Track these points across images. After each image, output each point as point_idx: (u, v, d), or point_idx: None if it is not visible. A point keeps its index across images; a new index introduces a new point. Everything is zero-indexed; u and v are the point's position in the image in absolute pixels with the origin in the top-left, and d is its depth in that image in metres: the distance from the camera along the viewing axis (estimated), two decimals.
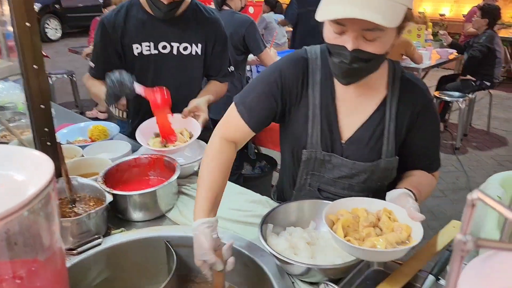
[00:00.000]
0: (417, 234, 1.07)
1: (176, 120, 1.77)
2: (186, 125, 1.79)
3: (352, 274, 1.16)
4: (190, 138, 1.74)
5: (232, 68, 2.13)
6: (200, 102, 1.84)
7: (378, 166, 1.32)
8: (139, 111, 2.01)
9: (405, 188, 1.21)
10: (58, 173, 1.47)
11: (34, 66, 1.30)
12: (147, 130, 1.77)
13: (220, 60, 2.05)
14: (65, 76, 5.88)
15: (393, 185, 1.34)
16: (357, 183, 1.36)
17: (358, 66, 1.15)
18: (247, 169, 3.35)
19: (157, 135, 1.76)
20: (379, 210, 1.16)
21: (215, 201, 1.20)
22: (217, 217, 1.19)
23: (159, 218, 1.48)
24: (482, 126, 5.71)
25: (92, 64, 1.94)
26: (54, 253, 0.62)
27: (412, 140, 1.34)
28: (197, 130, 1.75)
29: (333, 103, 1.33)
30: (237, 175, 3.07)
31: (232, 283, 1.29)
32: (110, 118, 5.79)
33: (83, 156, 1.73)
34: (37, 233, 0.58)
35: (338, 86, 1.33)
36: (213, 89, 2.04)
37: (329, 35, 1.16)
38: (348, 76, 1.20)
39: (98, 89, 1.83)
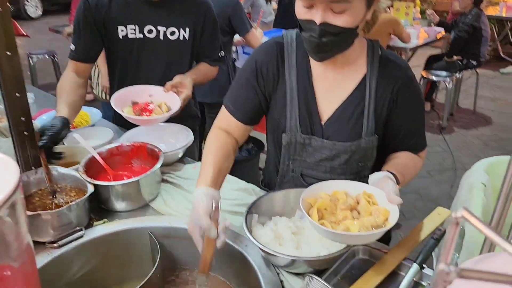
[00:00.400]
0: (393, 217, 1.07)
1: (157, 93, 1.74)
2: (166, 99, 1.74)
3: (337, 264, 1.16)
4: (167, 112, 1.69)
5: (223, 53, 2.05)
6: (185, 78, 1.78)
7: (359, 146, 1.31)
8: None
9: (387, 171, 1.21)
10: (36, 162, 1.43)
11: (7, 52, 1.25)
12: (124, 97, 1.72)
13: (210, 45, 1.96)
14: (47, 56, 5.73)
15: (377, 168, 1.33)
16: (339, 165, 1.34)
17: (328, 40, 1.15)
18: None
19: (134, 103, 1.71)
20: (359, 194, 1.16)
21: (217, 176, 1.21)
22: (211, 188, 1.17)
23: (143, 208, 1.46)
24: (468, 106, 5.75)
25: (72, 47, 1.84)
26: (23, 260, 0.59)
27: (395, 120, 1.33)
28: (176, 105, 1.70)
29: (310, 83, 1.33)
30: None
31: (216, 273, 1.28)
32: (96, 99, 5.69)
33: (64, 144, 1.68)
34: (3, 240, 0.55)
35: (315, 66, 1.32)
36: (202, 70, 1.98)
37: (299, 9, 1.17)
38: (320, 51, 1.19)
39: (58, 106, 1.65)
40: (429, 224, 1.27)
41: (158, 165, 1.47)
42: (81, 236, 1.25)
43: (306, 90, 1.33)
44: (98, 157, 1.49)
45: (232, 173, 1.39)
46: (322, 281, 0.92)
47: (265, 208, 1.28)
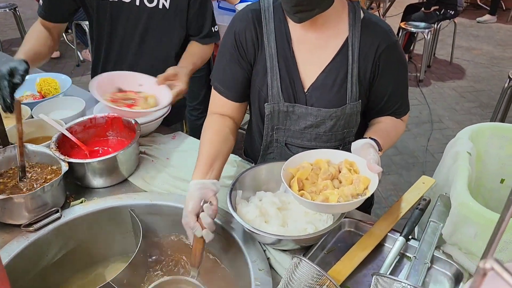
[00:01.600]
0: (373, 185, 1.07)
1: (148, 84, 1.54)
2: (157, 92, 1.53)
3: (323, 238, 1.15)
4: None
5: (216, 28, 1.83)
6: (181, 71, 1.59)
7: (344, 112, 1.28)
8: (102, 51, 1.75)
9: (369, 137, 1.19)
10: (2, 139, 1.35)
11: None
12: (109, 82, 1.51)
13: (199, 17, 1.73)
14: (7, 10, 5.36)
15: (361, 134, 1.31)
16: (324, 132, 1.31)
17: None
18: None
19: (120, 91, 1.53)
20: (341, 162, 1.15)
21: (211, 164, 1.18)
22: (204, 181, 1.14)
23: (121, 183, 1.41)
24: (445, 57, 5.74)
25: (40, 1, 1.67)
26: None
27: (378, 85, 1.29)
28: (165, 101, 1.49)
29: (290, 49, 1.27)
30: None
31: (207, 251, 1.26)
32: (63, 56, 5.43)
33: (32, 117, 1.58)
34: None
35: (294, 30, 1.27)
36: (196, 53, 1.76)
37: None
38: (299, 10, 1.14)
39: (18, 53, 1.51)
40: (414, 194, 1.27)
41: (136, 139, 1.40)
42: (59, 218, 1.20)
43: (286, 56, 1.27)
44: (69, 135, 1.41)
45: None
46: (311, 263, 0.91)
47: (249, 183, 1.25)
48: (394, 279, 0.83)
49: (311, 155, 1.17)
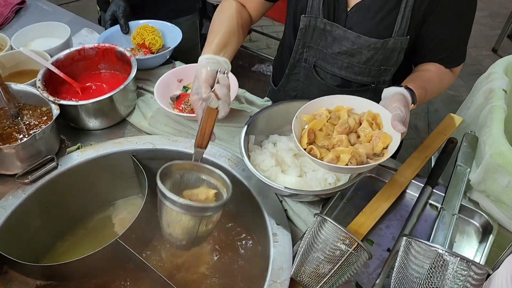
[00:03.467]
0: (392, 147, 0.93)
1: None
2: None
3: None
4: None
5: None
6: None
7: (385, 45, 1.11)
8: None
9: (405, 86, 1.04)
10: None
11: None
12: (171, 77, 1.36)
13: None
14: None
15: (399, 78, 1.17)
16: (358, 63, 1.17)
17: None
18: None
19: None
20: (364, 113, 1.01)
21: (224, 45, 1.07)
22: (216, 56, 1.03)
23: (120, 124, 1.29)
24: None
25: None
26: None
27: (430, 25, 1.10)
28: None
29: None
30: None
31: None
32: None
33: (12, 48, 1.40)
34: None
35: None
36: None
37: None
38: None
39: None
40: (440, 134, 1.17)
41: (132, 74, 1.25)
42: (55, 168, 1.10)
43: None
44: (56, 71, 1.25)
45: None
46: (337, 224, 0.83)
47: (262, 126, 1.14)
48: (436, 248, 0.76)
49: (332, 101, 1.03)
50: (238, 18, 1.16)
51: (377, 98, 1.03)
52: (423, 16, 1.07)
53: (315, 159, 0.91)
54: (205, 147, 0.96)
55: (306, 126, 0.98)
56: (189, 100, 1.31)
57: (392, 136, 0.94)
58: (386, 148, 0.94)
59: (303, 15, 1.16)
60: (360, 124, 0.99)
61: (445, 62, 1.17)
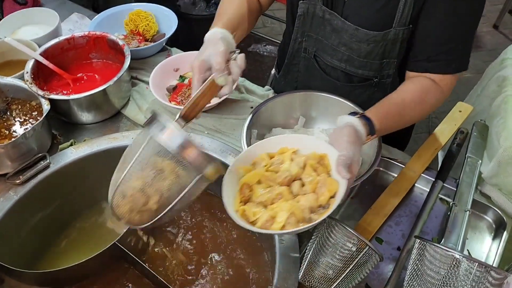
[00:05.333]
0: (339, 195, 0.76)
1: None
2: None
3: None
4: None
5: None
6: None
7: (385, 37, 1.02)
8: None
9: (362, 114, 0.89)
10: None
11: None
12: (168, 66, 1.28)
13: None
14: None
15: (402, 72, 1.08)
16: (358, 57, 1.09)
17: None
18: (199, 7, 2.87)
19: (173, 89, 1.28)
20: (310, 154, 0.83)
21: (235, 25, 1.01)
22: (227, 33, 0.97)
23: (114, 117, 1.23)
24: None
25: None
26: None
27: (424, 18, 0.98)
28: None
29: None
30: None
31: (214, 192, 1.14)
32: None
33: None
34: None
35: None
36: None
37: None
38: None
39: None
40: (450, 124, 1.12)
41: (126, 65, 1.18)
42: (48, 167, 1.05)
43: None
44: (45, 62, 1.18)
45: None
46: (346, 227, 0.79)
47: (264, 119, 1.08)
48: (453, 253, 0.72)
49: (274, 143, 0.86)
50: (248, 4, 1.10)
51: (380, 94, 0.96)
52: (423, 4, 0.96)
53: (245, 224, 0.75)
54: (190, 121, 0.86)
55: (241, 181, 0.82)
56: (186, 91, 1.25)
57: (340, 181, 0.77)
58: (333, 197, 0.77)
59: (301, 1, 1.08)
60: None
61: (430, 69, 1.00)
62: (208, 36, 0.96)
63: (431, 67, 0.99)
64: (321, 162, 0.81)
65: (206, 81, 0.87)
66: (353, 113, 0.89)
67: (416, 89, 0.98)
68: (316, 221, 0.74)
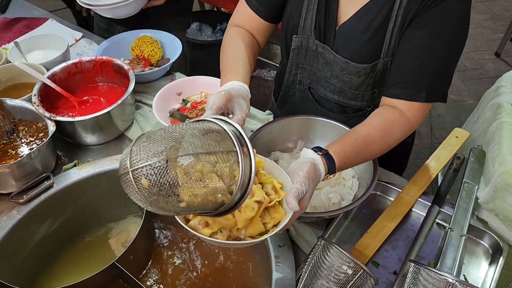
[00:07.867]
0: (281, 223, 0.77)
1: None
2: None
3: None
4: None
5: None
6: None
7: (375, 68, 1.06)
8: None
9: (326, 152, 0.86)
10: None
11: None
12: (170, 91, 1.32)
13: None
14: None
15: None
16: (349, 89, 1.13)
17: None
18: (205, 33, 2.96)
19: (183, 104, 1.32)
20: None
21: (248, 78, 1.02)
22: (242, 84, 0.98)
23: (117, 139, 1.26)
24: None
25: None
26: None
27: (401, 43, 0.99)
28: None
29: None
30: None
31: None
32: None
33: (8, 61, 1.38)
34: None
35: None
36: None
37: None
38: None
39: None
40: (447, 150, 1.14)
41: (130, 88, 1.22)
42: (51, 186, 1.07)
43: None
44: (52, 85, 1.22)
45: None
46: (341, 250, 0.80)
47: (263, 143, 1.11)
48: (446, 276, 0.73)
49: None
50: (251, 47, 1.12)
51: None
52: (404, 31, 0.99)
53: (179, 220, 0.75)
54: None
55: None
56: (189, 114, 1.28)
57: (287, 212, 0.78)
58: (276, 225, 0.78)
59: (295, 35, 1.12)
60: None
61: (401, 95, 0.98)
62: (231, 91, 0.91)
63: (402, 93, 0.98)
64: (274, 189, 0.80)
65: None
66: (318, 148, 0.88)
67: (381, 123, 0.96)
68: (246, 242, 0.74)
